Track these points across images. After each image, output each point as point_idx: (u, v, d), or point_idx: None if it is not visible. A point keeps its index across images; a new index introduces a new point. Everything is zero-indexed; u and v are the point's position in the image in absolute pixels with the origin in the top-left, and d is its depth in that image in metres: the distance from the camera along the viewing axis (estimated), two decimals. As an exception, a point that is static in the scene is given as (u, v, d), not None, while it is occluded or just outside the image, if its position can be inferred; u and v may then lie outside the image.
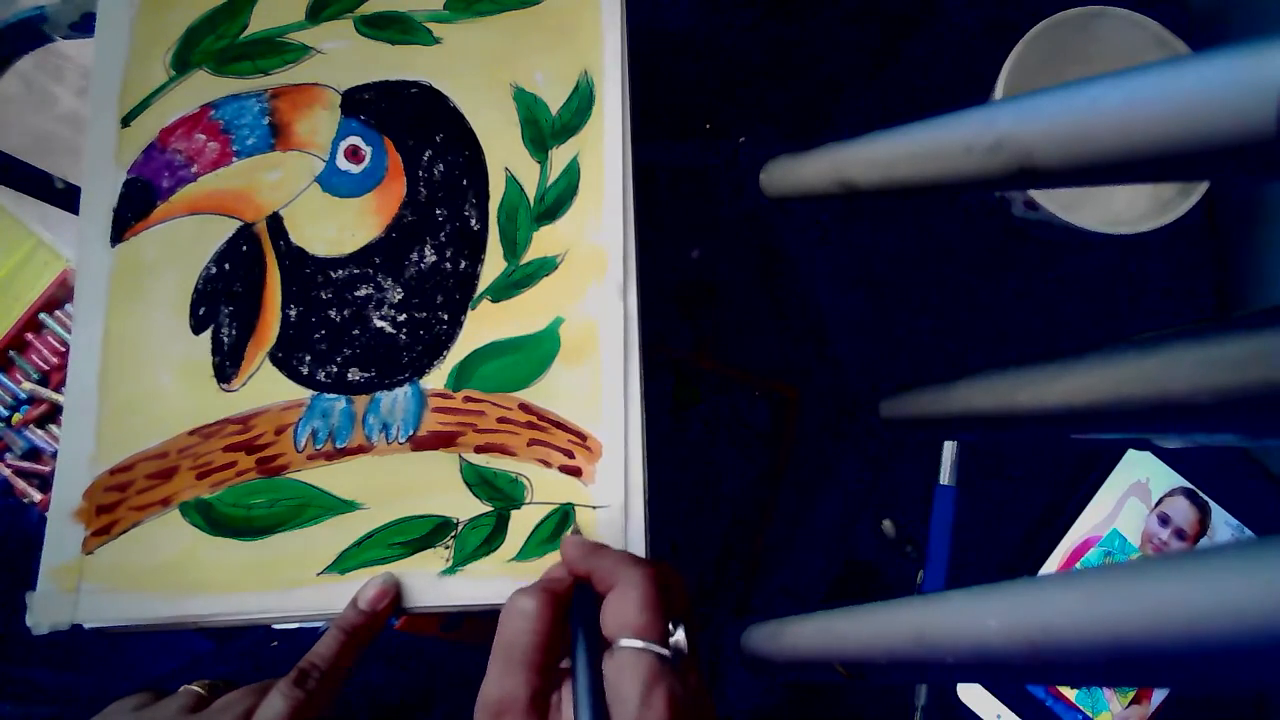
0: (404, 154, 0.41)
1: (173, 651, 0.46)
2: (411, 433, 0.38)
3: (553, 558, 0.36)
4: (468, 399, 0.38)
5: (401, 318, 0.39)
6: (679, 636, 0.29)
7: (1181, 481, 0.48)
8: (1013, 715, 0.47)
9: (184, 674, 0.45)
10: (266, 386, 0.39)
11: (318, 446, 0.38)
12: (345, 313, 0.40)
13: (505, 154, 0.41)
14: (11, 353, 0.46)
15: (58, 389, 0.46)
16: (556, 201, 0.40)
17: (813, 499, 0.49)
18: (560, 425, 0.38)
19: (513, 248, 0.40)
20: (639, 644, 0.29)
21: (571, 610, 0.31)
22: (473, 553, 0.37)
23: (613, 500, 0.37)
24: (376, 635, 0.35)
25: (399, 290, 0.40)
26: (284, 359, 0.39)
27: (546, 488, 0.37)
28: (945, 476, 0.48)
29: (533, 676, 0.29)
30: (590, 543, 0.33)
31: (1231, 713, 0.48)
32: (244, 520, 0.37)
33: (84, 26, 0.46)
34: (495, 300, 0.39)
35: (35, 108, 0.47)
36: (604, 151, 0.40)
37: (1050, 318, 0.51)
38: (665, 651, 0.29)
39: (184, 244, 0.40)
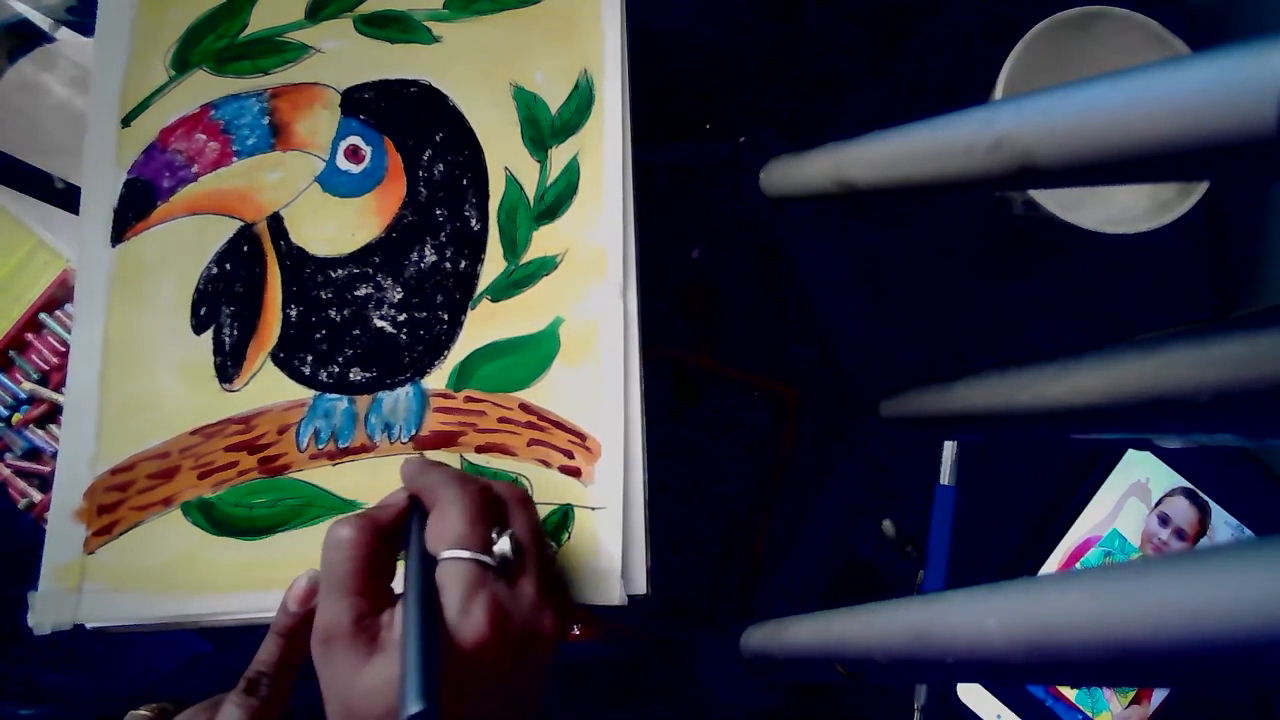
0: (404, 154, 0.41)
1: (173, 651, 0.46)
2: (414, 433, 0.38)
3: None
4: (469, 399, 0.38)
5: (402, 318, 0.39)
6: (502, 544, 0.30)
7: (1181, 481, 0.48)
8: (1013, 715, 0.47)
9: (184, 674, 0.45)
10: (268, 386, 0.39)
11: (320, 446, 0.38)
12: (346, 313, 0.40)
13: (505, 153, 0.41)
14: (11, 353, 0.46)
15: (58, 389, 0.46)
16: (556, 201, 0.40)
17: (813, 499, 0.49)
18: (560, 425, 0.38)
19: (513, 247, 0.40)
20: (458, 553, 0.29)
21: (405, 527, 0.32)
22: (473, 553, 0.37)
23: (612, 500, 0.37)
24: None
25: (399, 290, 0.40)
26: (285, 359, 0.39)
27: (546, 488, 0.37)
28: (945, 476, 0.48)
29: (356, 601, 0.29)
30: (423, 460, 0.33)
31: (1231, 713, 0.48)
32: (246, 520, 0.37)
33: (80, 11, 0.46)
34: (495, 300, 0.39)
35: (27, 99, 0.47)
36: (604, 151, 0.40)
37: (1050, 318, 0.51)
38: (486, 559, 0.29)
39: (185, 244, 0.40)
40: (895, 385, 0.47)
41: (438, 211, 0.40)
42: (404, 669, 0.26)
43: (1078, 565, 0.48)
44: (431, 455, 0.38)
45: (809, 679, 0.46)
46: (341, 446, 0.38)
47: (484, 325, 0.39)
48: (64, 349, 0.46)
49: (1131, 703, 0.46)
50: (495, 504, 0.31)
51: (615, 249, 0.39)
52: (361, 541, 0.30)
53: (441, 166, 0.41)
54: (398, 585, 0.31)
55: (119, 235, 0.40)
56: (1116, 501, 0.48)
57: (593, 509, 0.37)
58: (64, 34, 0.47)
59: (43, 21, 0.47)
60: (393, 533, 0.31)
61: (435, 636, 0.27)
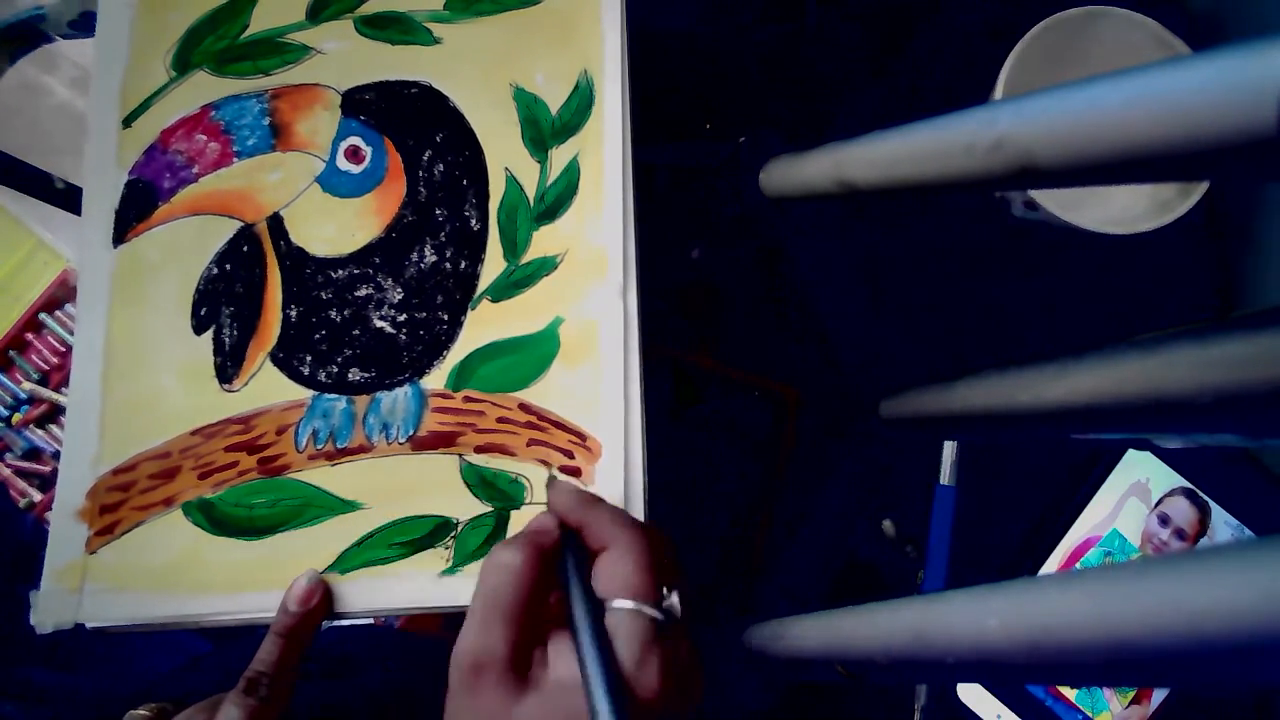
0: (404, 154, 0.41)
1: (173, 651, 0.46)
2: (412, 433, 0.38)
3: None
4: (468, 399, 0.38)
5: (401, 318, 0.39)
6: (673, 600, 0.29)
7: (1181, 481, 0.48)
8: (1013, 715, 0.47)
9: (184, 674, 0.45)
10: (268, 387, 0.39)
11: (318, 447, 0.38)
12: (345, 313, 0.40)
13: (505, 154, 0.41)
14: (11, 353, 0.46)
15: (58, 389, 0.46)
16: (556, 201, 0.40)
17: (813, 499, 0.49)
18: (560, 425, 0.38)
19: (513, 248, 0.40)
20: (635, 605, 0.28)
21: (562, 564, 0.31)
22: (473, 553, 0.37)
23: (613, 500, 0.37)
24: (315, 633, 0.35)
25: (399, 290, 0.40)
26: (285, 359, 0.39)
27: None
28: (945, 476, 0.48)
29: (512, 631, 0.28)
30: (582, 492, 0.33)
31: (1231, 713, 0.48)
32: (246, 520, 0.37)
33: (83, 25, 0.46)
34: (495, 300, 0.39)
35: (28, 100, 0.47)
36: (604, 151, 0.40)
37: (1050, 318, 0.51)
38: (659, 615, 0.29)
39: (185, 245, 0.40)
40: (895, 385, 0.47)
41: (438, 212, 0.40)
42: (593, 713, 0.26)
43: (1078, 565, 0.48)
44: (430, 455, 0.38)
45: (809, 679, 0.47)
46: (340, 447, 0.38)
47: (484, 325, 0.39)
48: (64, 349, 0.46)
49: (1131, 703, 0.46)
50: (663, 556, 0.31)
51: (615, 249, 0.39)
52: (529, 570, 0.29)
53: (442, 167, 0.41)
54: None
55: (120, 236, 0.40)
56: (1116, 501, 0.48)
57: (593, 509, 0.37)
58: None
59: (42, 30, 0.47)
60: (551, 560, 0.30)
61: (621, 684, 0.27)
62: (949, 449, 0.48)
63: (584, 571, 0.30)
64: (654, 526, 0.32)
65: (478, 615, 0.29)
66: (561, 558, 0.31)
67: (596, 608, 0.29)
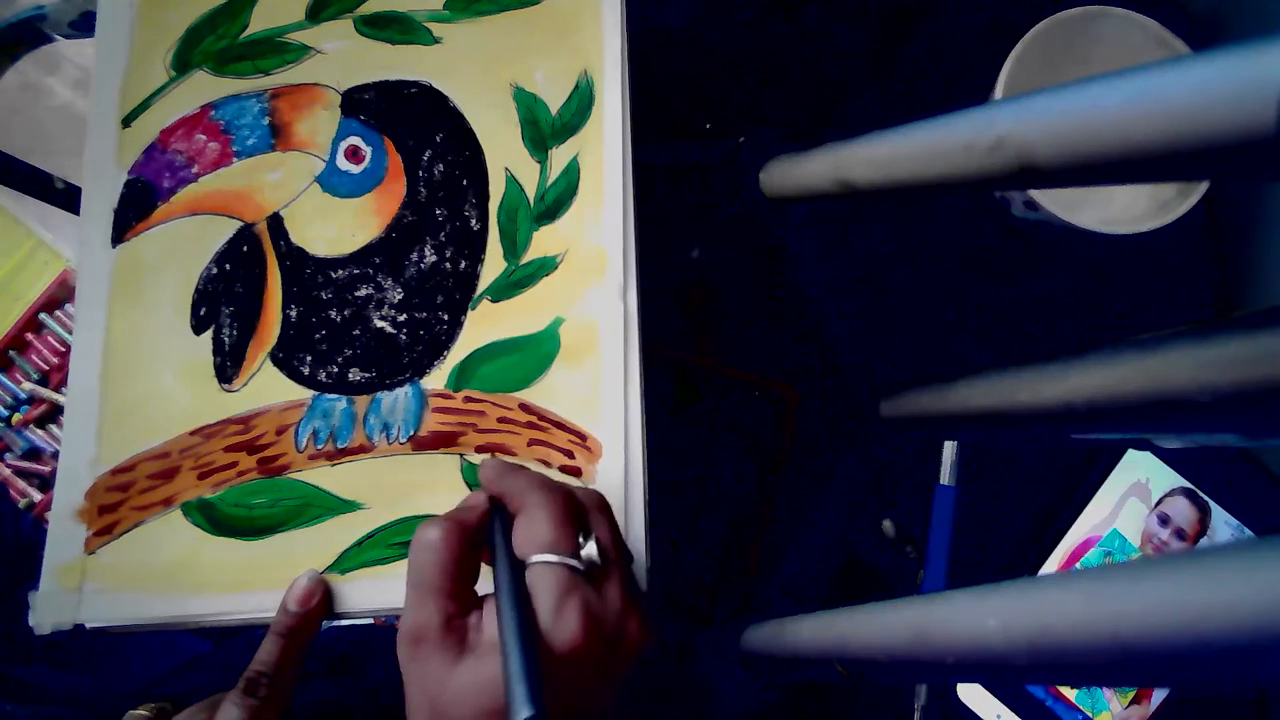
0: (404, 154, 0.41)
1: (172, 651, 0.46)
2: (412, 433, 0.38)
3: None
4: (468, 399, 0.38)
5: (402, 318, 0.39)
6: (589, 548, 0.30)
7: (1181, 481, 0.48)
8: (1013, 715, 0.47)
9: (183, 674, 0.45)
10: (267, 387, 0.39)
11: (319, 446, 0.38)
12: (345, 313, 0.40)
13: (505, 154, 0.41)
14: (11, 353, 0.46)
15: (58, 389, 0.46)
16: (556, 201, 0.40)
17: (813, 499, 0.49)
18: (560, 425, 0.38)
19: (513, 248, 0.40)
20: (547, 557, 0.29)
21: (488, 533, 0.32)
22: (473, 553, 0.37)
23: (613, 500, 0.37)
24: (315, 633, 0.36)
25: (399, 290, 0.40)
26: (285, 359, 0.39)
27: (547, 488, 0.37)
28: (945, 476, 0.48)
29: (445, 602, 0.29)
30: (505, 464, 0.34)
31: (1231, 713, 0.48)
32: (245, 520, 0.37)
33: (84, 25, 0.46)
34: (495, 300, 0.39)
35: (30, 101, 0.47)
36: (604, 151, 0.40)
37: (1050, 318, 0.51)
38: (575, 563, 0.29)
39: (185, 244, 0.40)
40: (895, 385, 0.47)
41: (438, 212, 0.40)
42: (507, 673, 0.26)
43: (1078, 565, 0.48)
44: (430, 455, 0.38)
45: (809, 678, 0.47)
46: (340, 447, 0.38)
47: (484, 325, 0.39)
48: (64, 349, 0.46)
49: (1131, 703, 0.46)
50: (579, 509, 0.32)
51: (615, 249, 0.39)
52: (451, 544, 0.30)
53: (441, 167, 0.41)
54: (481, 587, 0.31)
55: (119, 236, 0.40)
56: (1116, 501, 0.48)
57: (593, 509, 0.37)
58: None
59: (43, 29, 0.47)
60: (477, 535, 0.31)
61: (534, 640, 0.27)
62: (949, 449, 0.48)
63: (505, 535, 0.31)
64: (564, 483, 0.33)
65: (410, 594, 0.30)
66: (488, 527, 0.32)
67: (515, 567, 0.30)
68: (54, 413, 0.46)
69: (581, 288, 0.39)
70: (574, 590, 0.29)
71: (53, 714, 0.45)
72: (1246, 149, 0.19)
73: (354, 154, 0.41)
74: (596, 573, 0.30)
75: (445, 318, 0.39)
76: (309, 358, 0.39)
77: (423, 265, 0.40)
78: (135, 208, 0.40)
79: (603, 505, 0.33)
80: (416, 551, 0.30)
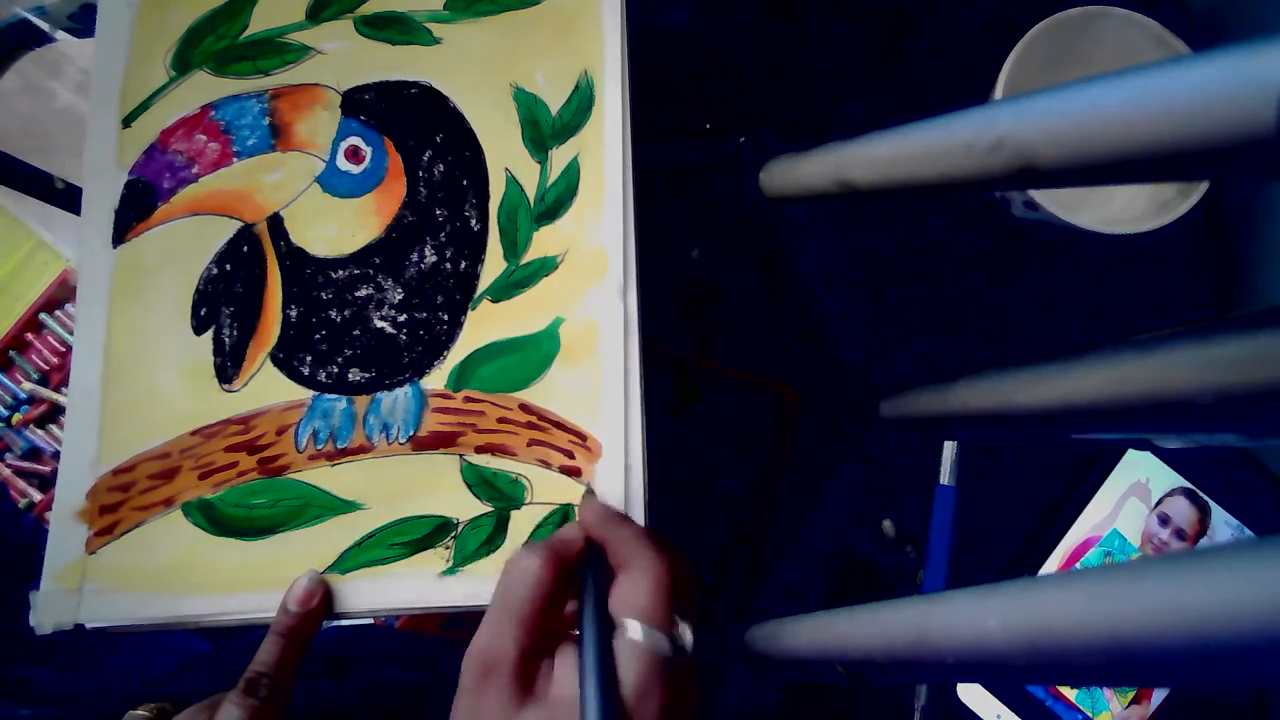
0: (404, 154, 0.41)
1: (173, 651, 0.46)
2: (412, 433, 0.38)
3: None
4: (468, 399, 0.38)
5: (402, 318, 0.39)
6: (685, 634, 0.29)
7: (1181, 481, 0.48)
8: (1013, 715, 0.47)
9: (183, 674, 0.45)
10: (267, 387, 0.39)
11: (318, 447, 0.38)
12: (345, 313, 0.40)
13: (505, 154, 0.41)
14: (11, 353, 0.46)
15: (58, 389, 0.46)
16: (556, 201, 0.40)
17: (813, 499, 0.49)
18: (560, 425, 0.38)
19: (513, 248, 0.40)
20: (645, 629, 0.28)
21: (582, 577, 0.31)
22: (473, 553, 0.37)
23: (613, 500, 0.37)
24: (315, 633, 0.35)
25: (399, 290, 0.40)
26: (285, 359, 0.39)
27: (546, 488, 0.37)
28: (945, 476, 0.48)
29: (525, 635, 0.28)
30: (610, 510, 0.33)
31: (1231, 713, 0.48)
32: (245, 520, 0.37)
33: (83, 19, 0.46)
34: (495, 300, 0.39)
35: (31, 102, 0.47)
36: (604, 151, 0.40)
37: (1050, 318, 0.51)
38: (669, 647, 0.29)
39: (185, 245, 0.40)
40: (895, 385, 0.47)
41: (438, 212, 0.40)
42: None
43: (1078, 565, 0.48)
44: (430, 455, 0.38)
45: (809, 679, 0.47)
46: (340, 447, 0.38)
47: (484, 325, 0.39)
48: (64, 349, 0.46)
49: (1131, 703, 0.46)
50: (683, 584, 0.30)
51: (615, 249, 0.39)
52: (546, 577, 0.29)
53: (442, 167, 0.41)
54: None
55: (120, 236, 0.40)
56: (1116, 501, 0.48)
57: (593, 509, 0.37)
58: (67, 36, 0.47)
59: (44, 25, 0.47)
60: (571, 571, 0.31)
61: (615, 714, 0.26)
62: (949, 449, 0.48)
63: (601, 589, 0.30)
64: (679, 551, 0.32)
65: (493, 616, 0.29)
66: (582, 571, 0.31)
67: (606, 626, 0.29)
68: (54, 413, 0.46)
69: (581, 288, 0.39)
70: (662, 673, 0.28)
71: (53, 714, 0.45)
72: (1246, 149, 0.19)
73: (354, 154, 0.41)
74: (681, 660, 0.29)
75: (445, 318, 0.39)
76: (309, 358, 0.39)
77: (423, 265, 0.40)
78: (135, 208, 0.40)
79: (696, 580, 0.32)
80: (510, 574, 0.29)
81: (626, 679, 0.27)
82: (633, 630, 0.28)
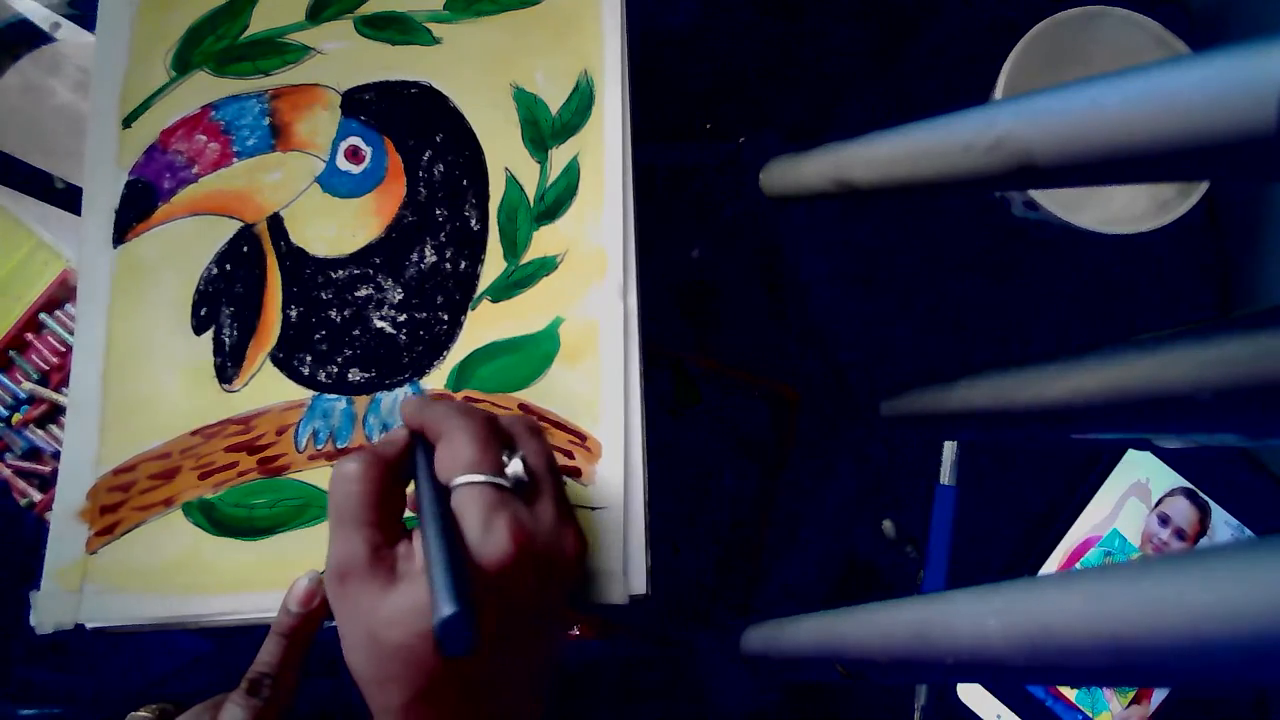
0: (404, 154, 0.41)
1: (173, 651, 0.46)
2: (412, 433, 0.38)
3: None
4: (468, 399, 0.38)
5: (401, 318, 0.39)
6: (515, 465, 0.30)
7: (1181, 481, 0.48)
8: (1013, 715, 0.47)
9: (185, 674, 0.45)
10: (268, 387, 0.39)
11: (318, 447, 0.38)
12: (345, 313, 0.40)
13: (505, 154, 0.41)
14: (11, 353, 0.46)
15: (58, 389, 0.46)
16: (556, 201, 0.40)
17: (813, 499, 0.49)
18: (560, 426, 0.38)
19: (513, 248, 0.40)
20: (470, 478, 0.29)
21: (411, 463, 0.31)
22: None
23: (612, 501, 0.37)
24: (316, 633, 0.35)
25: (399, 290, 0.40)
26: (285, 359, 0.39)
27: (547, 488, 0.37)
28: (945, 476, 0.48)
29: (369, 533, 0.29)
30: (424, 398, 0.33)
31: (1231, 713, 0.48)
32: (246, 520, 0.37)
33: (81, 5, 0.46)
34: (495, 300, 0.39)
35: (31, 101, 0.47)
36: (604, 151, 0.40)
37: (1050, 318, 0.51)
38: (501, 481, 0.29)
39: (185, 245, 0.40)
40: (895, 385, 0.47)
41: (438, 212, 0.40)
42: (433, 586, 0.26)
43: (1078, 565, 0.48)
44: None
45: (809, 679, 0.47)
46: (340, 447, 0.38)
47: (484, 325, 0.39)
48: (64, 349, 0.46)
49: (1131, 703, 0.46)
50: (502, 430, 0.31)
51: (615, 249, 0.39)
52: (370, 475, 0.30)
53: (442, 167, 0.41)
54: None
55: (120, 236, 0.40)
56: (1116, 501, 0.48)
57: (593, 509, 0.37)
58: (67, 35, 0.47)
59: (44, 19, 0.47)
60: (399, 468, 0.31)
61: (460, 555, 0.27)
62: (949, 449, 0.48)
63: (428, 464, 0.31)
64: (489, 410, 0.32)
65: (332, 528, 0.29)
66: (410, 458, 0.31)
67: (439, 491, 0.29)
68: (54, 413, 0.46)
69: (581, 288, 0.39)
70: (501, 506, 0.28)
71: (53, 714, 0.45)
72: (1246, 149, 0.19)
73: (354, 154, 0.41)
74: (527, 491, 0.30)
75: (445, 318, 0.39)
76: (309, 358, 0.39)
77: (423, 265, 0.40)
78: (136, 208, 0.40)
79: (532, 427, 0.32)
80: (335, 484, 0.30)
81: (469, 525, 0.28)
82: (461, 481, 0.29)
